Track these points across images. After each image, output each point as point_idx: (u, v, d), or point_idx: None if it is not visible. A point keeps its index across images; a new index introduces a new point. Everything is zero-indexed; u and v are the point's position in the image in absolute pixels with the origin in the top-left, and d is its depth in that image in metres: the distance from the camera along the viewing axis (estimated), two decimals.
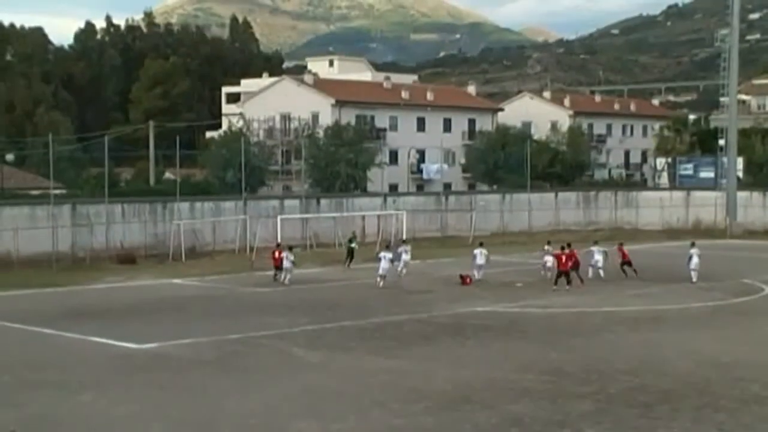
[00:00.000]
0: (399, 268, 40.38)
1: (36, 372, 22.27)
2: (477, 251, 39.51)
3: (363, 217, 55.74)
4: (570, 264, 36.35)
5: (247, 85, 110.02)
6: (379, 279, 37.53)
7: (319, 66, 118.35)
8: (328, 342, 25.95)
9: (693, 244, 40.12)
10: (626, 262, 39.70)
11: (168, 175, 74.30)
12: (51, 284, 38.34)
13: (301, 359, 23.77)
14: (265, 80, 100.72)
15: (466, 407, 18.76)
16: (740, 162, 67.04)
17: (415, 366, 22.79)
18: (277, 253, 39.61)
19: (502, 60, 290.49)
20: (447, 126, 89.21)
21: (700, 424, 17.59)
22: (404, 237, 46.33)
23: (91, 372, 22.35)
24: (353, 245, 45.04)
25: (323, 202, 58.18)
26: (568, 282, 36.14)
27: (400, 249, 41.50)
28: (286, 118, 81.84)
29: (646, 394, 19.71)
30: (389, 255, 38.38)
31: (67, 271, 42.61)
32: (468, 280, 38.12)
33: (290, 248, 40.50)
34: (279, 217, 47.08)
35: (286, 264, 38.73)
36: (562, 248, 37.36)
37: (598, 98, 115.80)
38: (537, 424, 17.62)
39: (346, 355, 24.29)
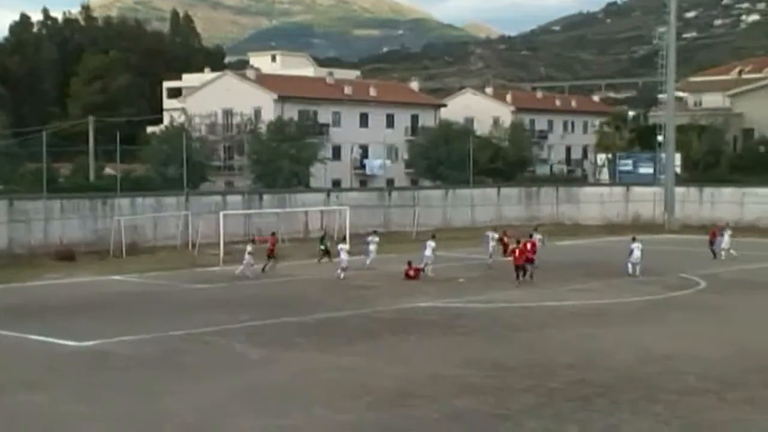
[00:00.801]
0: (367, 260, 41.35)
1: None
2: (428, 242, 40.05)
3: (306, 213, 55.66)
4: (524, 257, 36.67)
5: (188, 80, 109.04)
6: (340, 271, 38.24)
7: (261, 61, 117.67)
8: (271, 338, 25.92)
9: (634, 239, 40.79)
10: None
11: (108, 170, 73.35)
12: None
13: (244, 356, 23.73)
14: (207, 75, 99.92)
15: (410, 402, 18.90)
16: (678, 158, 68.13)
17: (358, 362, 22.88)
18: (271, 242, 41.40)
19: (444, 56, 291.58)
20: (390, 122, 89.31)
21: (638, 416, 17.95)
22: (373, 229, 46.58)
23: (31, 371, 22.08)
24: (324, 245, 45.09)
25: (266, 197, 57.95)
26: (524, 274, 36.49)
27: (369, 239, 42.49)
28: (228, 113, 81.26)
29: (586, 388, 20.04)
30: (347, 246, 39.54)
31: (4, 268, 41.87)
32: (412, 272, 38.25)
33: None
34: (221, 213, 46.80)
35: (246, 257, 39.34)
36: (518, 242, 38.03)
37: (539, 94, 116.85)
38: (480, 418, 17.82)
39: (289, 351, 24.29)
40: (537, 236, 42.14)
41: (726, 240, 46.07)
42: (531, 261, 37.28)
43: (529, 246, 37.59)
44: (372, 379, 20.94)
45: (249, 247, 40.04)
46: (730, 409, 18.53)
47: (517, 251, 37.09)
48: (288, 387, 20.38)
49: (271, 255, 41.29)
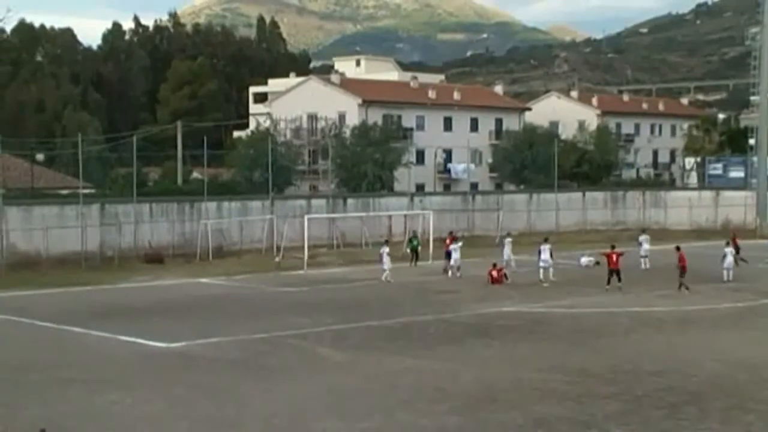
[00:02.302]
0: (452, 265, 41.02)
1: (64, 370, 22.48)
2: (543, 246, 39.12)
3: (390, 217, 55.74)
4: (618, 262, 36.05)
5: (274, 84, 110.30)
6: (385, 275, 38.89)
7: (346, 66, 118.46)
8: (354, 342, 26.00)
9: (728, 243, 39.90)
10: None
11: (195, 174, 74.63)
12: (80, 283, 38.66)
13: (327, 359, 23.84)
14: (292, 80, 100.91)
15: (492, 407, 18.75)
16: None
17: (440, 366, 22.80)
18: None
19: (529, 59, 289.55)
20: (474, 125, 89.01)
21: (729, 426, 17.49)
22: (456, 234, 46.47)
23: (118, 370, 22.53)
24: (415, 243, 45.42)
25: (350, 201, 58.24)
26: (619, 279, 35.86)
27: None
28: (313, 117, 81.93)
29: (673, 395, 19.61)
30: (388, 249, 40.01)
31: (95, 270, 42.95)
32: (496, 273, 37.97)
33: (386, 242, 42.34)
34: (306, 217, 47.19)
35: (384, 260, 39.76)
36: (612, 247, 37.21)
37: (626, 98, 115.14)
38: (562, 425, 17.58)
39: (372, 355, 24.33)
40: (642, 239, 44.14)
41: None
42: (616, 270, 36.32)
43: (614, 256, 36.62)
44: (454, 384, 20.84)
45: (386, 248, 40.23)
46: None
47: (613, 255, 36.17)
48: (370, 390, 20.40)
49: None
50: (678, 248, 36.46)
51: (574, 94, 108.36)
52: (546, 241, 40.64)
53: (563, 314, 30.93)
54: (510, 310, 31.62)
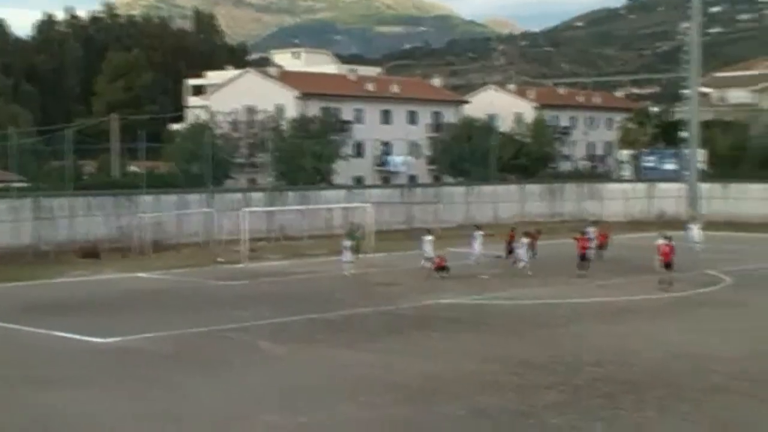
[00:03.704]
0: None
1: None
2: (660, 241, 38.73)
3: (329, 210, 55.63)
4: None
5: (211, 77, 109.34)
6: (346, 268, 38.51)
7: (283, 58, 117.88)
8: (295, 335, 25.89)
9: (662, 235, 40.39)
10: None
11: (132, 168, 73.74)
12: (14, 279, 37.89)
13: (267, 352, 23.71)
14: (230, 72, 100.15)
15: (434, 399, 18.80)
16: (703, 154, 67.57)
17: (382, 359, 22.80)
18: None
19: (467, 52, 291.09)
20: (412, 118, 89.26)
21: (665, 414, 17.76)
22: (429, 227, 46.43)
23: (55, 367, 22.15)
24: (356, 236, 45.31)
25: (289, 194, 57.97)
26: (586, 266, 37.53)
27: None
28: (251, 110, 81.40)
29: (611, 385, 19.85)
30: (349, 243, 39.68)
31: (30, 265, 42.17)
32: (438, 260, 38.13)
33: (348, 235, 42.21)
34: (244, 210, 46.86)
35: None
36: (582, 233, 39.41)
37: (562, 91, 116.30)
38: (504, 415, 17.70)
39: (313, 347, 24.25)
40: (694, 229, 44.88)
41: (696, 234, 45.47)
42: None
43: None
44: (396, 376, 20.86)
45: (347, 242, 40.14)
46: (758, 407, 18.28)
47: (582, 241, 38.42)
48: (311, 383, 20.32)
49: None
50: (670, 239, 36.42)
51: (511, 87, 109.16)
52: (478, 228, 41.04)
53: (504, 305, 31.14)
54: (451, 302, 31.74)
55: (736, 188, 65.60)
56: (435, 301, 31.87)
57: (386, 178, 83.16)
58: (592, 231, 43.53)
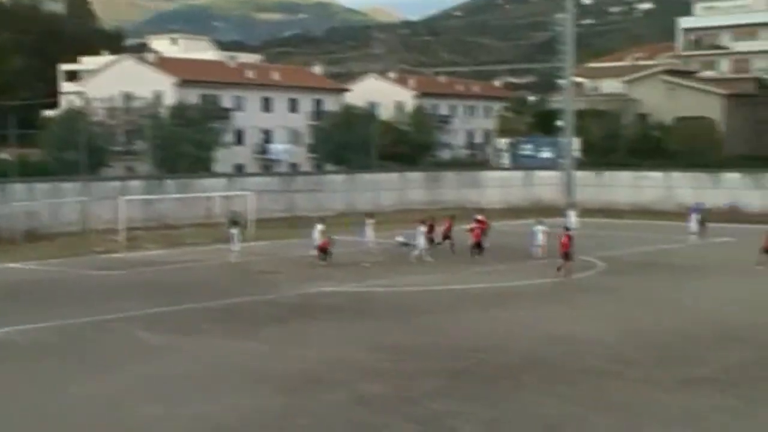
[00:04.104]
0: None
1: None
2: (537, 228, 40.64)
3: (209, 198, 54.94)
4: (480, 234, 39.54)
5: (86, 63, 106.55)
6: (234, 255, 38.58)
7: (161, 44, 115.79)
8: (175, 325, 25.54)
9: (540, 222, 41.39)
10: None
11: (3, 155, 71.23)
12: None
13: (147, 343, 23.32)
14: (105, 58, 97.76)
15: (316, 388, 18.83)
16: (577, 142, 69.30)
17: (263, 347, 22.71)
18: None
19: (347, 40, 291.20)
20: (293, 106, 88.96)
21: (542, 396, 18.20)
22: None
23: None
24: (237, 224, 44.87)
25: (168, 182, 57.02)
26: (480, 252, 39.20)
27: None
28: (128, 97, 79.62)
29: (491, 370, 20.24)
30: (237, 230, 39.67)
31: None
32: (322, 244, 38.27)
33: (235, 223, 41.31)
34: (121, 198, 45.87)
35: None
36: (477, 220, 40.80)
37: (442, 79, 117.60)
38: (386, 402, 17.85)
39: (193, 337, 23.97)
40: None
41: (573, 220, 46.90)
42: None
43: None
44: (278, 365, 20.81)
45: (235, 230, 39.94)
46: (628, 388, 18.89)
47: (476, 229, 39.95)
48: (192, 374, 20.09)
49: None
50: (568, 229, 37.00)
51: (391, 75, 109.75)
52: (370, 216, 41.48)
53: (385, 293, 31.37)
54: (332, 290, 31.80)
55: (608, 176, 67.64)
56: (317, 289, 31.86)
57: (267, 166, 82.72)
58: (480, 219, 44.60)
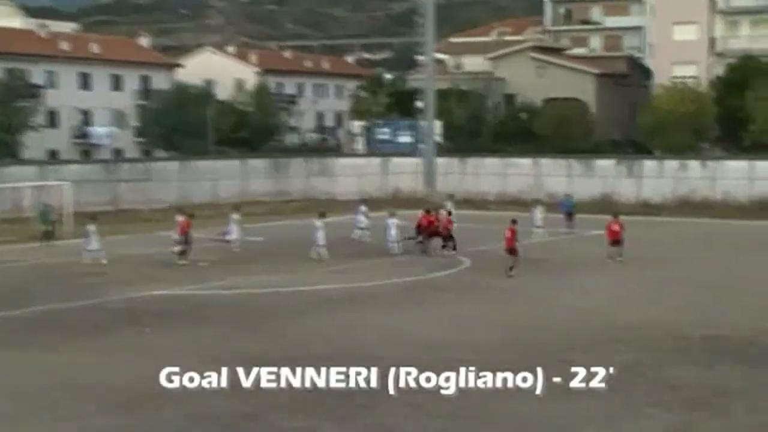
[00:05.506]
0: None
1: None
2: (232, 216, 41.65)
3: (16, 189, 53.26)
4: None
5: None
6: (90, 256, 37.96)
7: None
8: None
9: (392, 214, 41.90)
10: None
11: None
12: None
13: None
14: None
15: (148, 405, 18.63)
16: (439, 126, 70.29)
17: (87, 360, 22.33)
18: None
19: (179, 9, 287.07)
20: (116, 83, 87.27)
21: (405, 408, 18.46)
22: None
23: None
24: (49, 219, 43.66)
25: None
26: (454, 248, 40.42)
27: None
28: None
29: (347, 380, 20.35)
30: (93, 228, 38.57)
31: None
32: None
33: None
34: None
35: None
36: (449, 213, 42.36)
37: (288, 54, 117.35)
38: (226, 419, 17.83)
39: (3, 351, 23.33)
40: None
41: (539, 217, 47.90)
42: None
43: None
44: (104, 380, 20.49)
45: (91, 227, 38.60)
46: (504, 397, 19.29)
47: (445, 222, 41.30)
48: (1, 393, 19.55)
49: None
50: (515, 221, 37.11)
51: (230, 49, 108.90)
52: (236, 210, 41.66)
53: (225, 296, 31.23)
54: (164, 293, 31.47)
55: (472, 163, 68.79)
56: (148, 292, 31.46)
57: (87, 152, 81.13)
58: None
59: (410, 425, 17.59)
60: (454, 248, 40.64)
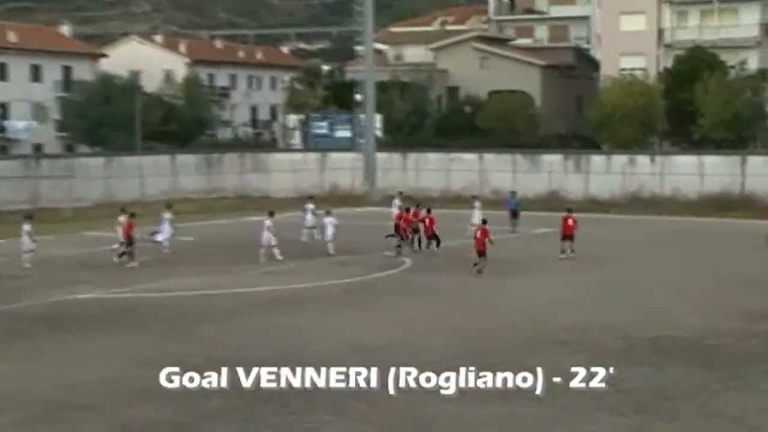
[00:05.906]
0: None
1: None
2: (326, 220, 41.35)
3: None
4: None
5: None
6: (26, 258, 37.38)
7: None
8: None
9: (328, 213, 41.88)
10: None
11: None
12: None
13: None
14: None
15: (72, 415, 18.46)
16: (379, 119, 70.36)
17: (5, 368, 22.05)
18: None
19: None
20: (36, 74, 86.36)
21: (339, 416, 18.44)
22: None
23: None
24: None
25: None
26: (438, 244, 41.07)
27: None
28: None
29: (282, 387, 20.27)
30: (28, 227, 37.90)
31: None
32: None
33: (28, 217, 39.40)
34: None
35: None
36: (428, 210, 42.65)
37: (219, 44, 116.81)
38: (157, 429, 17.67)
39: None
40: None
41: (477, 215, 47.95)
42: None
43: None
44: (23, 389, 20.23)
45: (26, 226, 37.86)
46: (441, 403, 19.31)
47: (426, 220, 41.83)
48: None
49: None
50: (485, 221, 38.03)
51: (158, 38, 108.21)
52: (168, 207, 41.28)
53: (155, 299, 31.01)
54: (89, 297, 31.19)
55: (414, 158, 68.93)
56: (70, 296, 31.16)
57: (3, 148, 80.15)
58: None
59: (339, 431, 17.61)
60: (438, 245, 41.32)
